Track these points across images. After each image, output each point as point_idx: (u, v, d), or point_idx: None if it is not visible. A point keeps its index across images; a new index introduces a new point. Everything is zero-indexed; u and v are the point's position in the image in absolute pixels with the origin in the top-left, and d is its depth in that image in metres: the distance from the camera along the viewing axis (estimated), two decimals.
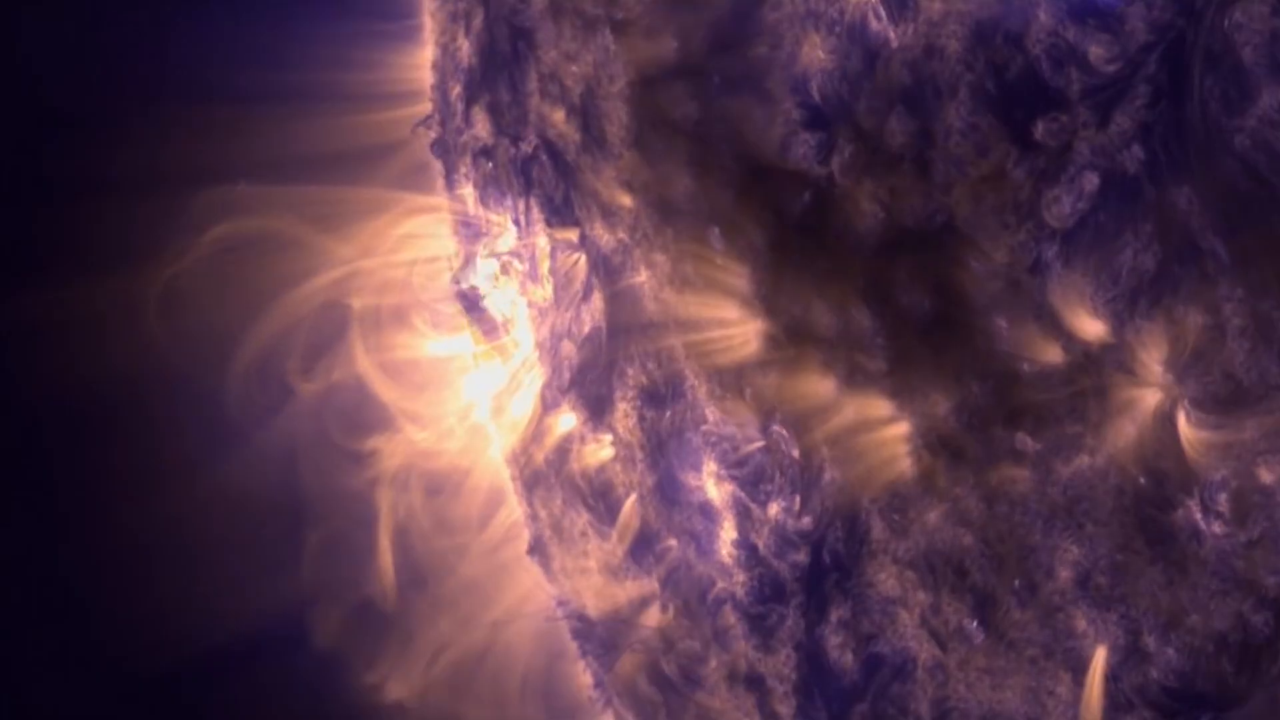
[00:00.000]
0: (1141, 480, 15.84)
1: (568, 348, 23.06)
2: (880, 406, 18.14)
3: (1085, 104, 15.41)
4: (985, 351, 16.83)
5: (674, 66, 19.79)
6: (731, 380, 20.02)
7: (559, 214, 22.58)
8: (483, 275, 24.95)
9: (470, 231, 25.07)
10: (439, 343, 25.76)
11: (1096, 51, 15.30)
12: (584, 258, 22.23)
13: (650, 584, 22.58)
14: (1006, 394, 16.78)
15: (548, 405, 24.06)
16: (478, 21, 24.35)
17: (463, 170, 25.46)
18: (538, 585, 25.12)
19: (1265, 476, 14.78)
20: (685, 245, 20.06)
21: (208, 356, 24.75)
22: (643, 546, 22.52)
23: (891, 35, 17.02)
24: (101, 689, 24.56)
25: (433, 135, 26.02)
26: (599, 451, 23.01)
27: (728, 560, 20.79)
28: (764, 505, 19.96)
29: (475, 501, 25.68)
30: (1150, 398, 15.67)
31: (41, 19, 24.15)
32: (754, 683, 20.92)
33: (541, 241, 23.31)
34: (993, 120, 16.17)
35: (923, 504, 17.90)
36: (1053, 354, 16.28)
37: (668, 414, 21.13)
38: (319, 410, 25.24)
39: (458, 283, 25.05)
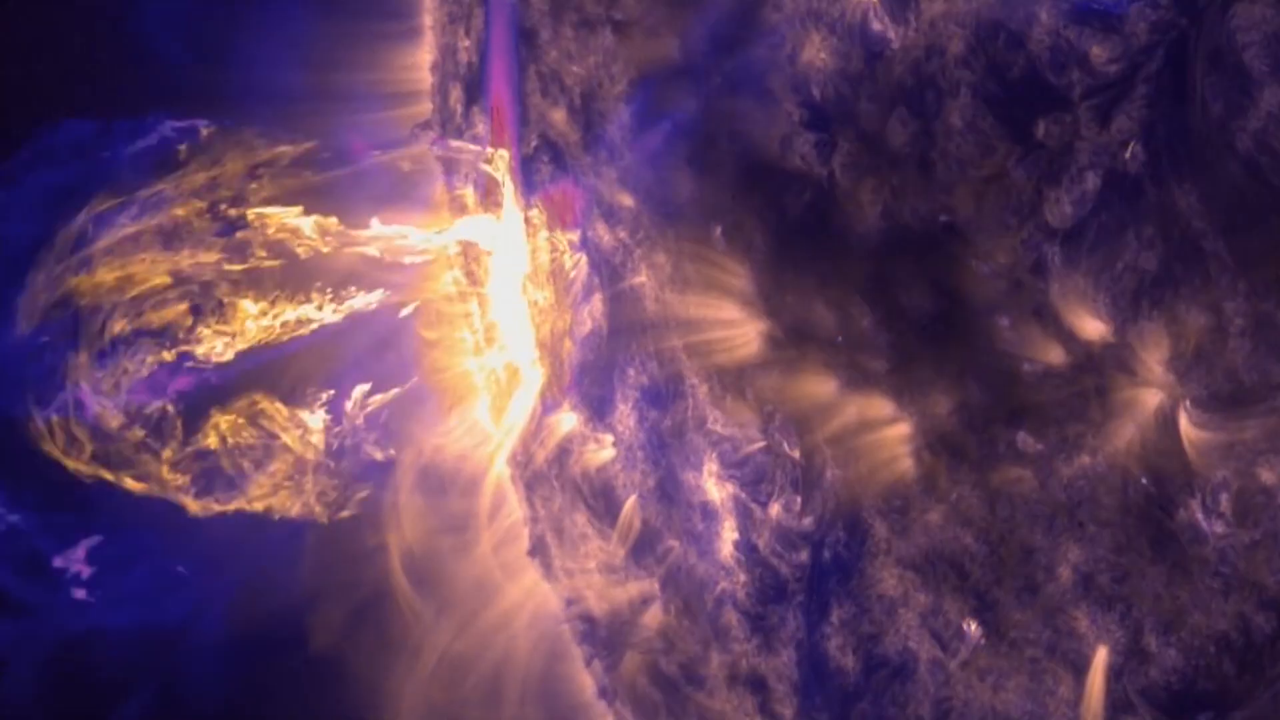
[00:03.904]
0: (1143, 480, 15.84)
1: (568, 348, 23.06)
2: (882, 406, 18.14)
3: (1087, 104, 15.42)
4: (987, 351, 16.84)
5: (675, 66, 19.80)
6: (733, 380, 20.02)
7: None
8: None
9: None
10: (439, 344, 25.77)
11: (1098, 52, 15.30)
12: (585, 258, 22.24)
13: (651, 584, 22.58)
14: (1008, 394, 16.78)
15: (549, 406, 24.06)
16: (478, 22, 24.38)
17: (463, 170, 25.48)
18: (538, 586, 25.12)
19: (1267, 477, 14.78)
20: (686, 245, 20.06)
21: None
22: (644, 547, 22.53)
23: (893, 35, 17.03)
24: (102, 687, 24.54)
25: (432, 136, 26.04)
26: (600, 452, 23.01)
27: (729, 560, 20.79)
28: (765, 505, 19.96)
29: (476, 502, 25.67)
30: (1152, 398, 15.67)
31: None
32: (755, 683, 20.91)
33: (542, 242, 23.33)
34: (994, 120, 16.17)
35: (924, 504, 17.90)
36: (1054, 354, 16.28)
37: (669, 414, 21.13)
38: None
39: None
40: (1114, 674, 16.39)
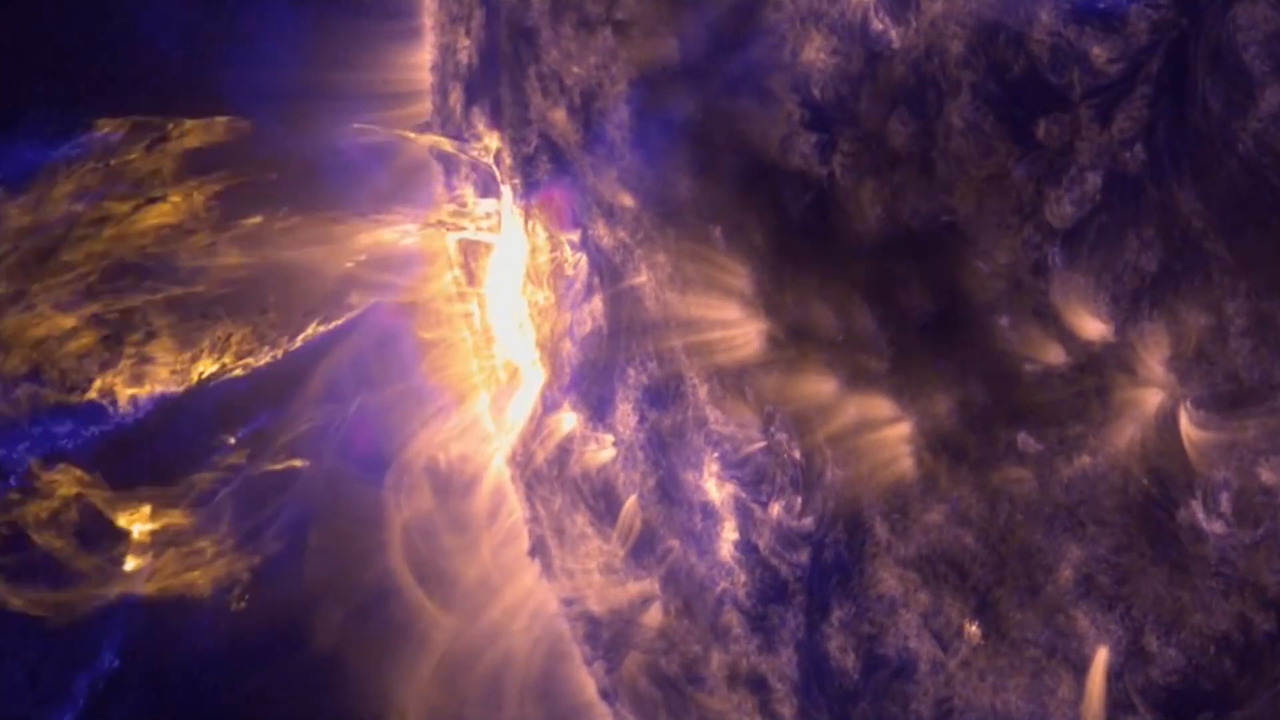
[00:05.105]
0: (1144, 480, 15.84)
1: (568, 348, 23.05)
2: (882, 406, 18.14)
3: (1087, 104, 15.41)
4: (987, 351, 16.83)
5: (675, 66, 19.79)
6: (733, 380, 20.02)
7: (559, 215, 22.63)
8: None
9: None
10: (439, 343, 25.75)
11: (1098, 52, 15.29)
12: (585, 258, 22.23)
13: (651, 584, 22.58)
14: (1008, 394, 16.77)
15: (549, 406, 24.05)
16: (477, 22, 24.36)
17: (463, 171, 25.46)
18: (539, 586, 25.12)
19: (1267, 476, 14.77)
20: (687, 245, 20.06)
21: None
22: (644, 547, 22.52)
23: (893, 35, 17.03)
24: (102, 685, 24.53)
25: (432, 136, 26.01)
26: (600, 452, 23.01)
27: (729, 561, 20.80)
28: (765, 506, 19.96)
29: (477, 502, 25.67)
30: (1152, 398, 15.67)
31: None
32: (755, 683, 20.92)
33: (542, 241, 23.31)
34: (995, 120, 16.17)
35: (924, 504, 17.90)
36: (1055, 354, 16.27)
37: (669, 414, 21.13)
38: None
39: None
40: (1114, 674, 16.39)
